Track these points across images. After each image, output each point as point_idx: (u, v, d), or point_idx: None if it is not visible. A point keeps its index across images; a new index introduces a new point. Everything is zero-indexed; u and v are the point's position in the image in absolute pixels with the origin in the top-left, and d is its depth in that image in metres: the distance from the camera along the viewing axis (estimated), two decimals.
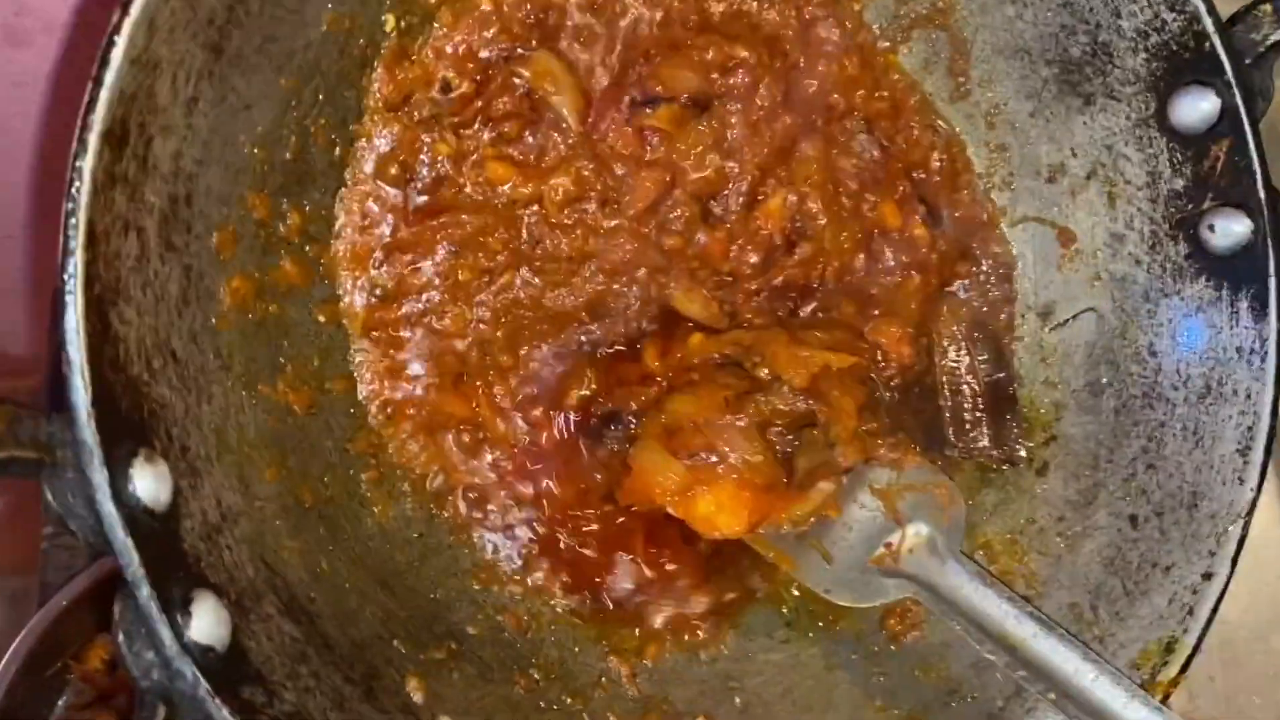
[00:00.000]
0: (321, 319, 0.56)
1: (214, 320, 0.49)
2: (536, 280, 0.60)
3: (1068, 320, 0.66)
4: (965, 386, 0.66)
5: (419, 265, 0.58)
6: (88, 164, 0.40)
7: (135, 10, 0.40)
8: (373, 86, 0.56)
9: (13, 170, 0.88)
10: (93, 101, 0.40)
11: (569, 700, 0.56)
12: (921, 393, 0.64)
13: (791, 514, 0.56)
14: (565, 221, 0.60)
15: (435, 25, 0.57)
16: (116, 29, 0.40)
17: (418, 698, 0.52)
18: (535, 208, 0.60)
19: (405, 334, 0.58)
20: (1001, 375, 0.66)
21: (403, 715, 0.51)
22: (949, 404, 0.65)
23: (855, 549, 0.60)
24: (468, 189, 0.60)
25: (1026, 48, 0.63)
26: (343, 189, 0.57)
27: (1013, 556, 0.64)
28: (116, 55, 0.40)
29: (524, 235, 0.61)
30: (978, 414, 0.65)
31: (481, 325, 0.60)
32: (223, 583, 0.44)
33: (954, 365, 0.66)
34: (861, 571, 0.59)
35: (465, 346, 0.60)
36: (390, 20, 0.55)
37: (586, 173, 0.60)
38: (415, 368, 0.58)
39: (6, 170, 0.88)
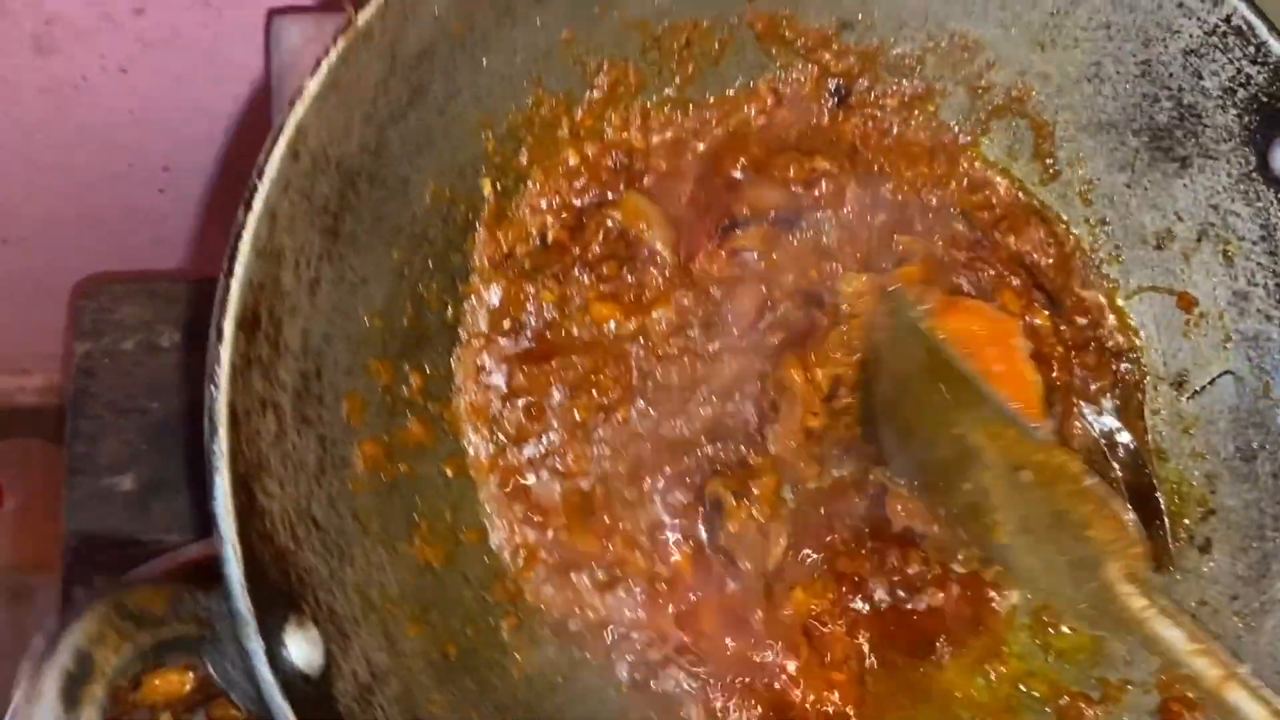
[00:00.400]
0: (450, 473, 0.58)
1: (350, 485, 0.51)
2: (652, 412, 0.61)
3: (1204, 387, 0.63)
4: None
5: (536, 410, 0.60)
6: (226, 351, 0.43)
7: (258, 205, 0.44)
8: (477, 247, 0.59)
9: (34, 174, 0.94)
10: (226, 292, 0.43)
11: None
12: None
13: None
14: (671, 351, 0.62)
15: (529, 183, 0.60)
16: (242, 225, 0.44)
17: None
18: (641, 341, 0.62)
19: (530, 478, 0.59)
20: (1143, 478, 0.63)
21: None
22: None
23: None
24: (575, 331, 0.62)
25: (1111, 121, 0.63)
26: (458, 346, 0.59)
27: None
28: (244, 248, 0.43)
29: (634, 369, 0.62)
30: None
31: (604, 462, 0.61)
32: None
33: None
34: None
35: (590, 484, 0.60)
36: (487, 185, 0.59)
37: (686, 301, 0.62)
38: (543, 510, 0.59)
39: (27, 174, 0.93)
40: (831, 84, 0.65)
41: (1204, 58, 0.58)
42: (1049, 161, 0.65)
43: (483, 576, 0.57)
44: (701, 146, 0.62)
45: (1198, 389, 0.64)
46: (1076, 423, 0.63)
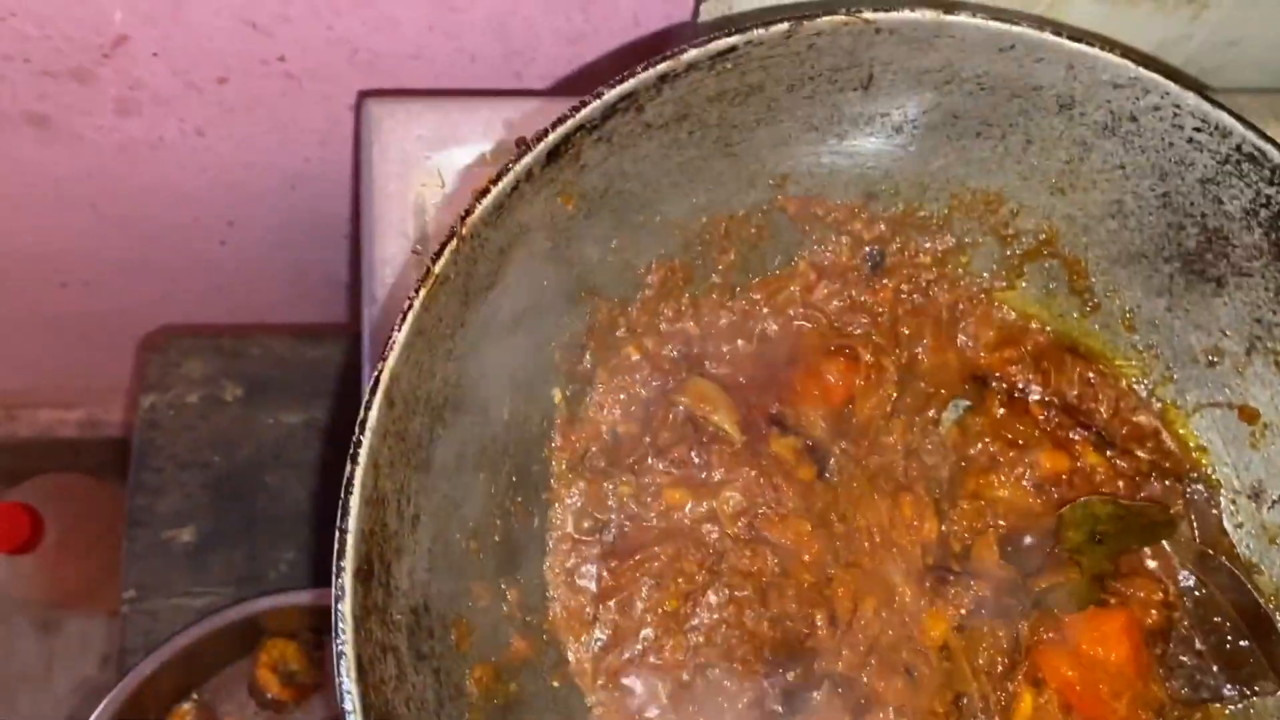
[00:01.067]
0: (556, 684, 0.58)
1: (467, 715, 0.51)
2: (733, 595, 0.62)
3: None
4: (1217, 619, 0.62)
5: (629, 606, 0.60)
6: (347, 606, 0.44)
7: (363, 458, 0.46)
8: (554, 454, 0.61)
9: (103, 225, 0.94)
10: (341, 548, 0.44)
11: None
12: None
13: None
14: (743, 536, 0.62)
15: (595, 385, 0.63)
16: (351, 477, 0.45)
17: None
18: (714, 526, 0.63)
19: (632, 678, 0.59)
20: (1246, 595, 0.62)
21: None
22: (1208, 645, 0.62)
23: None
24: (653, 520, 0.63)
25: (1141, 251, 0.65)
26: (547, 555, 0.60)
27: None
28: (355, 501, 0.45)
29: (711, 552, 0.63)
30: (1240, 644, 0.61)
31: (699, 653, 0.61)
32: None
33: (1199, 597, 0.63)
34: None
35: (690, 675, 0.60)
36: (557, 394, 0.61)
37: (751, 480, 0.63)
38: (650, 710, 0.59)
39: (98, 224, 0.94)
40: (867, 249, 0.67)
41: (1221, 185, 0.61)
42: (1086, 296, 0.67)
43: None
44: (757, 328, 0.65)
45: (1276, 499, 0.64)
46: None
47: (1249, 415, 0.64)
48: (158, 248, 1.01)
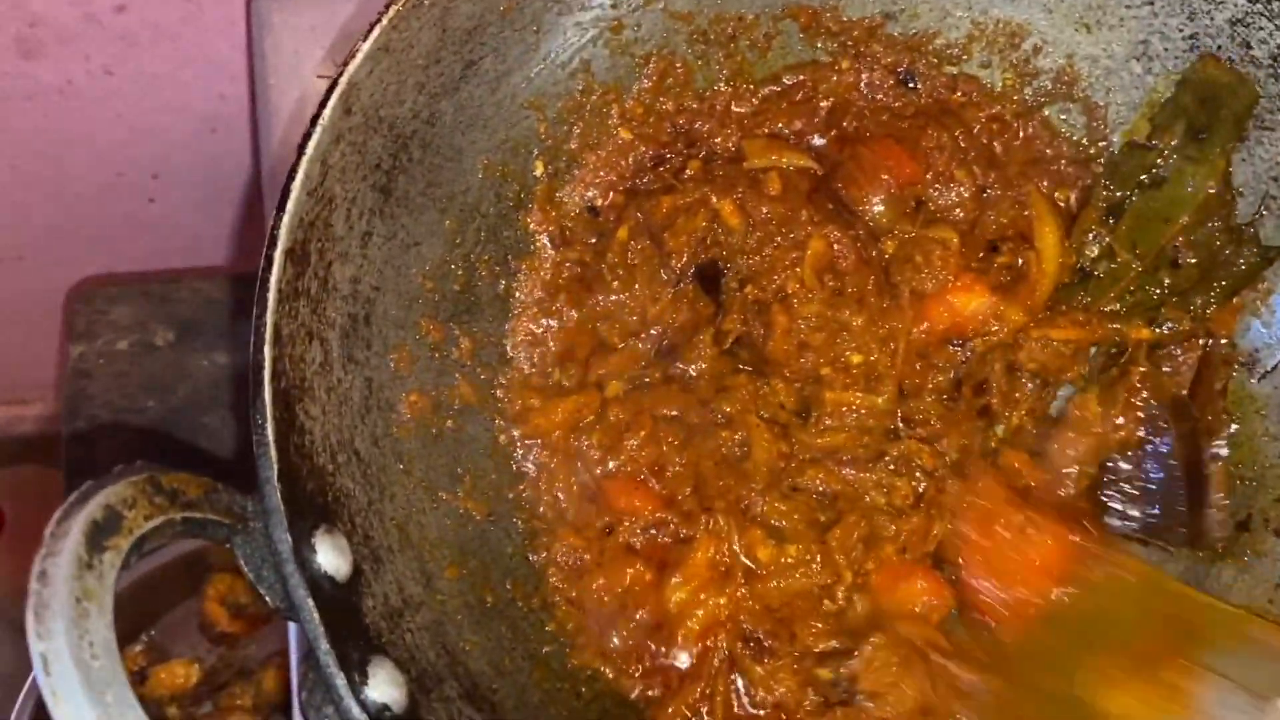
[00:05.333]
0: (501, 440, 0.60)
1: (395, 429, 0.54)
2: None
3: (1276, 368, 0.61)
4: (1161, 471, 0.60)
5: (587, 373, 0.61)
6: (273, 276, 0.46)
7: (310, 149, 0.48)
8: (529, 225, 0.62)
9: (22, 189, 0.91)
10: (276, 225, 0.47)
11: None
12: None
13: None
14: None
15: (581, 165, 0.63)
16: (295, 166, 0.48)
17: None
18: None
19: (579, 441, 0.60)
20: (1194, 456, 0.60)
21: None
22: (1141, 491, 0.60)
23: None
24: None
25: (1162, 100, 0.62)
26: (510, 318, 0.62)
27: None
28: (296, 186, 0.47)
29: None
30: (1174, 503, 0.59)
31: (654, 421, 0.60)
32: (403, 660, 0.46)
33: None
34: None
35: (638, 443, 0.60)
36: (539, 166, 0.62)
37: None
38: (589, 468, 0.60)
39: (18, 187, 0.91)
40: (899, 71, 0.66)
41: (1250, 27, 0.58)
42: (1102, 145, 0.65)
43: (526, 536, 0.59)
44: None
45: (1269, 369, 0.61)
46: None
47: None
48: (87, 209, 0.98)
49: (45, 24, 0.76)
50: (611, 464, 0.60)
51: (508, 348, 0.62)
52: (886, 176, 0.62)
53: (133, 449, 0.95)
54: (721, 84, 0.65)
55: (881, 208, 0.61)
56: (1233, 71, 0.58)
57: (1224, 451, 0.60)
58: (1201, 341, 0.61)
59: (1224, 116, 0.59)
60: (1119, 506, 0.58)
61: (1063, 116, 0.65)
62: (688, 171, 0.62)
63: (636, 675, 0.55)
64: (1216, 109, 0.59)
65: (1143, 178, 0.62)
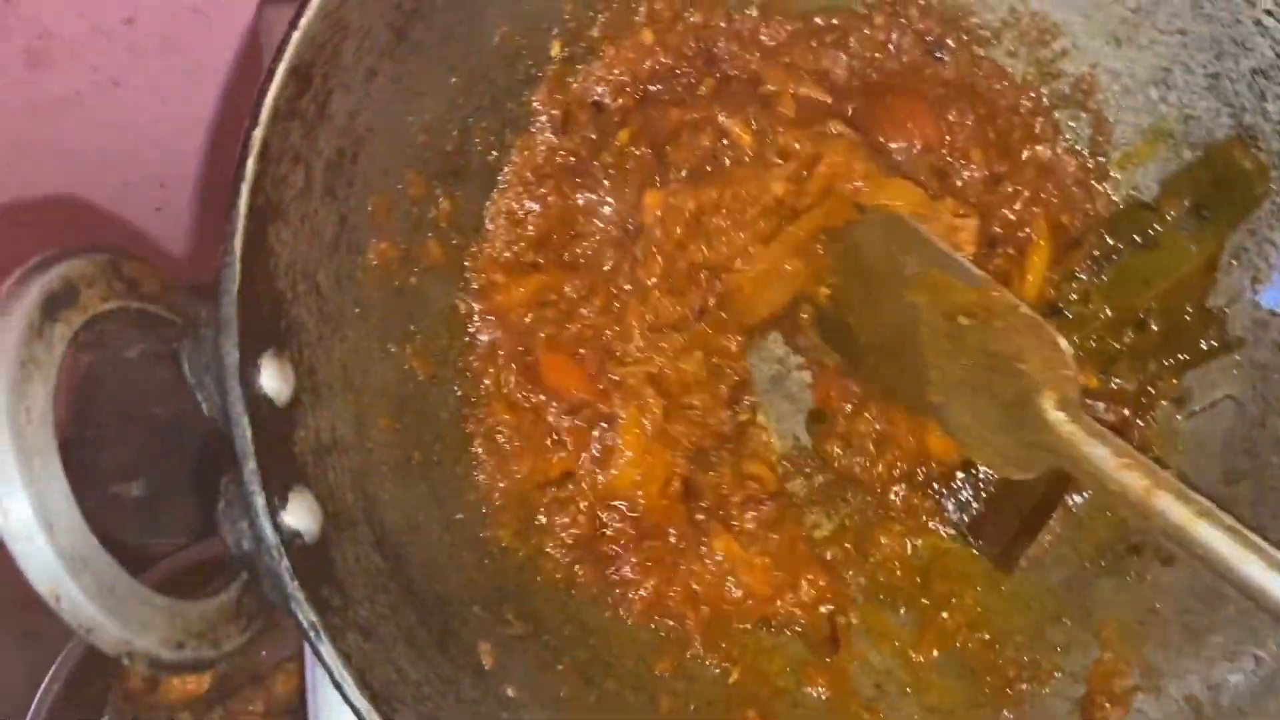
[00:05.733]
0: (461, 309, 0.60)
1: (358, 273, 0.54)
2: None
3: (1204, 408, 0.63)
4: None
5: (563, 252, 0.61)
6: (272, 90, 0.45)
7: None
8: (534, 103, 0.62)
9: (31, 199, 0.91)
10: (286, 41, 0.46)
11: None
12: None
13: None
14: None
15: (599, 56, 0.63)
16: None
17: (487, 663, 0.52)
18: None
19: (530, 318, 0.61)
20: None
21: (470, 674, 0.51)
22: None
23: None
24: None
25: (1169, 130, 0.63)
26: (494, 190, 0.62)
27: (1127, 644, 0.60)
28: (312, 6, 0.46)
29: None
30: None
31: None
32: (323, 495, 0.47)
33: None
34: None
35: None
36: (556, 47, 0.61)
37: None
38: (535, 348, 0.60)
39: (24, 198, 0.91)
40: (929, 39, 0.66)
41: (1271, 79, 0.59)
42: (1100, 159, 0.66)
43: (463, 404, 0.59)
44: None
45: (1196, 409, 0.64)
46: None
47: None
48: (95, 219, 0.97)
49: (54, 36, 0.75)
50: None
51: (486, 220, 0.62)
52: (911, 127, 0.62)
53: (142, 457, 0.95)
54: (753, 9, 0.65)
55: (902, 159, 0.61)
56: (1257, 161, 0.59)
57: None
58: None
59: (1233, 200, 0.61)
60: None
61: (1071, 124, 0.66)
62: (701, 89, 0.62)
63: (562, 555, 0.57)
64: (1228, 193, 0.61)
65: (1136, 236, 0.63)
